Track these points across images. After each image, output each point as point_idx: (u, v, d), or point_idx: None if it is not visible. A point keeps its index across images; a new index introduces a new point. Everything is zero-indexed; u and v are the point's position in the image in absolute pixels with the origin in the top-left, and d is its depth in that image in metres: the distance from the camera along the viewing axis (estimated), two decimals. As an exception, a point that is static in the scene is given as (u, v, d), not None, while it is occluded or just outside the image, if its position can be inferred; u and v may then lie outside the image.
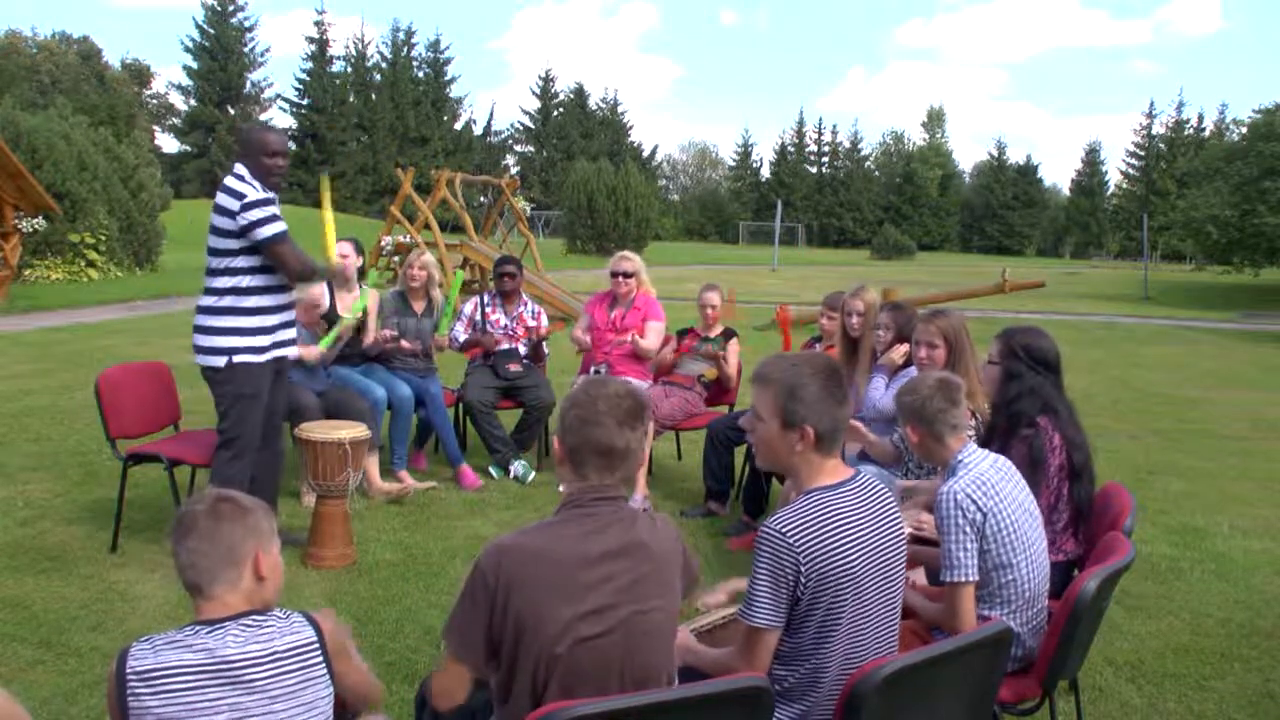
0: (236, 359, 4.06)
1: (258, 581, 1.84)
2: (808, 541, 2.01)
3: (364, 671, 2.03)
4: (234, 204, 3.95)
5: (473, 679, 1.95)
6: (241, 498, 1.88)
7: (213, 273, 4.06)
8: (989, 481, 2.57)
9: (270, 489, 4.38)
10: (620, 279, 5.83)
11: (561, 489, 2.02)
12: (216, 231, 4.01)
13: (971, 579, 2.50)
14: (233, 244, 4.00)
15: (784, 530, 2.02)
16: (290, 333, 4.32)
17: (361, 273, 5.77)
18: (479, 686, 2.05)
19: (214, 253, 4.04)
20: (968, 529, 2.50)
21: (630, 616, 1.88)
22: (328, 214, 4.48)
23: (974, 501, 2.52)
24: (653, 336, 5.78)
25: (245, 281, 4.06)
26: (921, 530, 3.13)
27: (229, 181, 4.02)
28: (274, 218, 3.99)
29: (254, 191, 3.98)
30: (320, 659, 1.82)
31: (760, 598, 2.04)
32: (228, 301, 4.05)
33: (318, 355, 5.20)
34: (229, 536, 1.81)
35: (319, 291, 5.39)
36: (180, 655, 1.71)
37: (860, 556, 2.06)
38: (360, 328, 5.49)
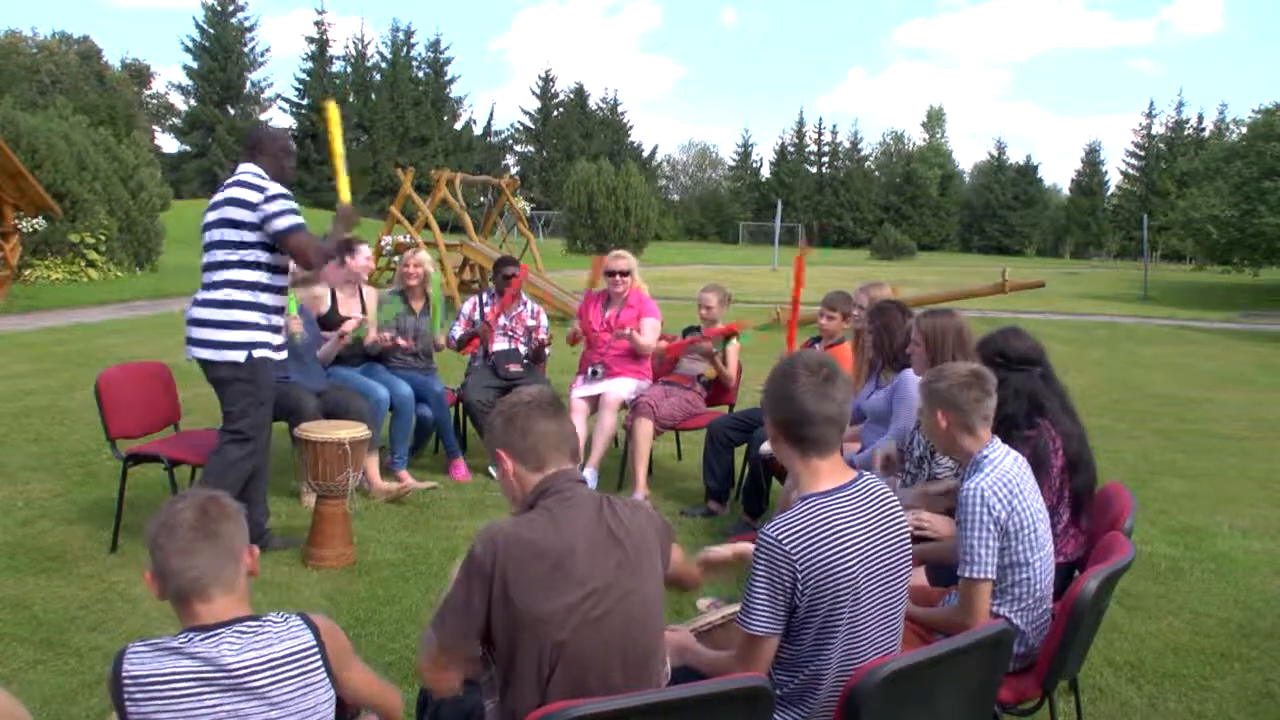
0: (256, 354, 4.06)
1: (247, 578, 1.85)
2: (805, 549, 2.01)
3: (374, 679, 2.00)
4: (255, 196, 3.96)
5: (465, 673, 1.96)
6: (224, 497, 1.87)
7: (223, 265, 4.01)
8: (1014, 479, 2.57)
9: (263, 487, 4.41)
10: (616, 277, 5.83)
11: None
12: (231, 224, 3.99)
13: (990, 576, 2.49)
14: (248, 236, 3.99)
15: (780, 538, 2.02)
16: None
17: None
18: (473, 685, 2.05)
19: (225, 245, 4.00)
20: (991, 526, 2.49)
21: (624, 597, 1.91)
22: (337, 143, 4.17)
23: (999, 499, 2.52)
24: (649, 333, 5.77)
25: (258, 277, 4.05)
26: (923, 530, 3.12)
27: (246, 178, 4.01)
28: (294, 210, 4.02)
29: (275, 187, 4.01)
30: (319, 664, 1.80)
31: (757, 605, 2.04)
32: (243, 295, 4.03)
33: (299, 326, 5.14)
34: (229, 536, 1.81)
35: (320, 291, 5.40)
36: (177, 662, 1.69)
37: (859, 563, 2.05)
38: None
